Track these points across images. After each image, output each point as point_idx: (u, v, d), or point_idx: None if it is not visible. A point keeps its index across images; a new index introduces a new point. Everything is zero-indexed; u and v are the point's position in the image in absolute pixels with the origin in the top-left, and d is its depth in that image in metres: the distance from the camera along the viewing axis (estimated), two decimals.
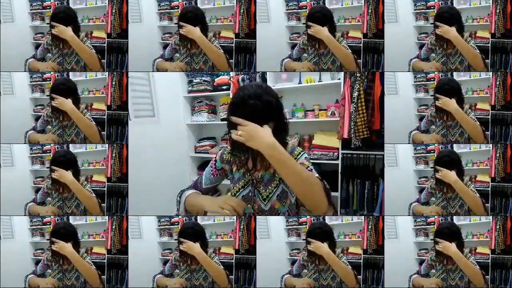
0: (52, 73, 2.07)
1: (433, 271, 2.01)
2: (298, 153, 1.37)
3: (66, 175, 1.97)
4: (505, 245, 2.00)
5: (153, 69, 2.08)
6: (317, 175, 1.26)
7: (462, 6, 2.03)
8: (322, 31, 1.98)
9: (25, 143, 2.05)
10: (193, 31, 1.99)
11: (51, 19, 2.01)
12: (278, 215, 1.39)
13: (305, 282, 1.96)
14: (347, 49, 2.02)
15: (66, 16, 2.01)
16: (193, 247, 1.89)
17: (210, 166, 1.48)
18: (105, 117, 2.07)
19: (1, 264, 2.02)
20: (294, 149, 1.38)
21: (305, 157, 1.35)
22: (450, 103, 2.00)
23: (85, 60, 2.02)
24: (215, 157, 1.49)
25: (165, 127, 3.77)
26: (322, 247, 1.90)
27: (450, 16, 1.99)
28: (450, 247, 1.94)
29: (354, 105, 2.91)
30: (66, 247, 1.94)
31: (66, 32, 1.98)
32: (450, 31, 1.98)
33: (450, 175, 1.98)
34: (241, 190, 1.39)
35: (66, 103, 1.99)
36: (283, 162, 1.09)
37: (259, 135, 1.09)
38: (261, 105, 1.19)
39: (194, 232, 1.91)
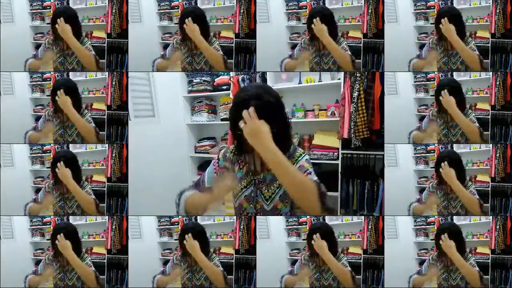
0: (52, 73, 2.07)
1: (434, 270, 2.01)
2: (299, 154, 1.36)
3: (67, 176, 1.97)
4: (505, 245, 2.00)
5: (153, 70, 2.08)
6: (315, 178, 1.26)
7: (462, 6, 2.03)
8: (323, 31, 1.97)
9: (25, 144, 2.05)
10: (195, 32, 1.97)
11: (53, 19, 2.00)
12: (281, 215, 1.39)
13: (303, 277, 1.96)
14: (347, 50, 2.02)
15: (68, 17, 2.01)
16: (194, 247, 1.89)
17: (212, 164, 1.47)
18: (105, 117, 2.07)
19: (1, 264, 2.02)
20: (296, 151, 1.38)
21: (306, 159, 1.35)
22: (451, 103, 1.99)
23: (82, 61, 2.02)
24: (218, 156, 1.49)
25: (165, 127, 3.77)
26: (323, 247, 1.89)
27: (451, 17, 1.98)
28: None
29: (354, 105, 2.90)
30: (67, 248, 1.93)
31: (67, 32, 1.97)
32: (451, 30, 1.97)
33: (451, 174, 1.97)
34: (243, 190, 1.39)
35: (67, 104, 1.98)
36: (277, 163, 1.13)
37: (260, 136, 1.12)
38: (262, 105, 1.19)
39: (194, 232, 1.91)
